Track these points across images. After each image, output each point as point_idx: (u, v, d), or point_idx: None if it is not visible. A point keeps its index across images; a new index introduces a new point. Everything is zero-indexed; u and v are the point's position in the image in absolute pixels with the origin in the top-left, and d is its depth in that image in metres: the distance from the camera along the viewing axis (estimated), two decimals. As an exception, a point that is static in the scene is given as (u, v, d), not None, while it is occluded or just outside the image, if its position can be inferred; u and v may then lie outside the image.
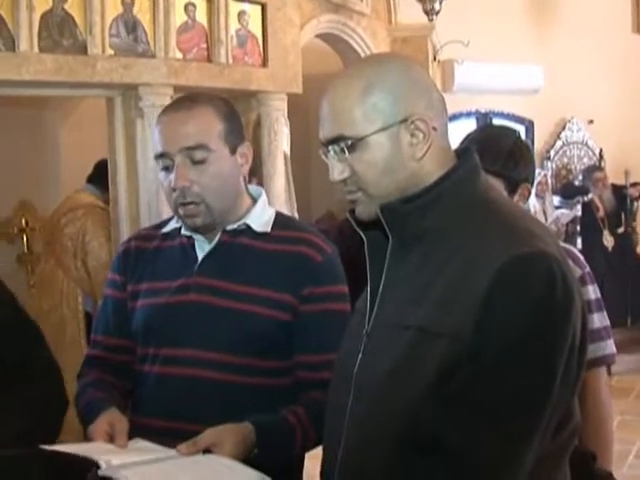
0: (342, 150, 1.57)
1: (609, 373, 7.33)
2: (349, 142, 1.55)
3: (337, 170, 1.59)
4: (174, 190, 2.05)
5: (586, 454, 1.99)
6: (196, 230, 2.12)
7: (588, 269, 2.44)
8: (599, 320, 2.43)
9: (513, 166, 2.39)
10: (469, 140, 2.41)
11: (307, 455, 2.15)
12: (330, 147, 1.59)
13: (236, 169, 2.13)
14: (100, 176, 5.12)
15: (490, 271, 1.41)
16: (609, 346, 2.45)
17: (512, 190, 2.37)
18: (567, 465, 1.58)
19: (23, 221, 6.26)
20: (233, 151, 2.12)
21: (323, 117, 1.60)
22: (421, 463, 1.44)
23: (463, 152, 1.64)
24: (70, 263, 4.88)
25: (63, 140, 6.52)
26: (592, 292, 2.43)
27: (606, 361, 2.44)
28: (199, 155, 2.05)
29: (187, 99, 2.14)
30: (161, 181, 2.13)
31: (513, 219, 1.52)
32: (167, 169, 2.07)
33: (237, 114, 2.20)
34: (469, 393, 1.41)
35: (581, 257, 2.48)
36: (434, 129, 1.56)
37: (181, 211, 2.08)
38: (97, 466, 1.66)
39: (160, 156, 2.08)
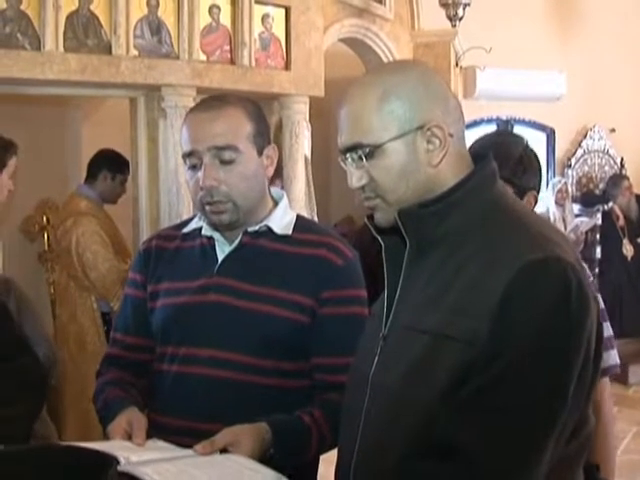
0: (360, 158, 1.58)
1: (625, 383, 7.24)
2: (367, 150, 1.57)
3: (355, 177, 1.61)
4: (201, 189, 2.07)
5: (590, 465, 1.99)
6: (218, 228, 2.14)
7: (592, 279, 2.42)
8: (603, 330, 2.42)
9: (521, 173, 2.39)
10: (477, 146, 2.41)
11: (321, 458, 2.16)
12: (348, 155, 1.61)
13: (262, 170, 2.15)
14: (93, 172, 5.05)
15: (506, 276, 1.42)
16: (612, 357, 2.42)
17: (519, 197, 2.37)
18: (581, 470, 1.59)
19: (44, 219, 6.29)
20: (260, 152, 2.13)
21: (341, 125, 1.62)
22: (435, 467, 1.45)
23: (480, 158, 1.65)
24: (75, 273, 4.87)
25: (85, 138, 6.55)
26: None
27: (609, 372, 2.41)
28: (228, 155, 2.06)
29: (216, 99, 2.15)
30: (187, 179, 2.14)
31: (529, 225, 1.53)
32: (194, 167, 2.09)
33: (264, 116, 2.21)
34: (483, 398, 1.42)
35: (585, 266, 2.48)
36: (450, 135, 1.58)
37: (207, 208, 2.09)
38: (117, 462, 1.67)
39: (188, 155, 2.09)
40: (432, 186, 1.58)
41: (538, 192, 2.49)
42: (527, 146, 2.51)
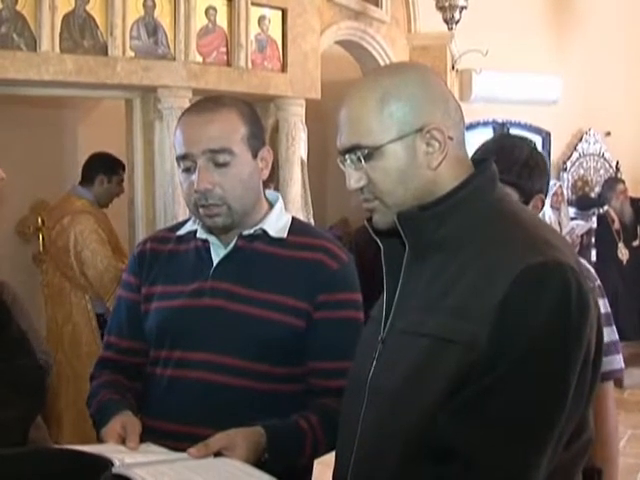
0: (359, 159, 1.58)
1: (621, 386, 7.23)
2: (366, 151, 1.57)
3: (354, 179, 1.60)
4: (195, 192, 2.05)
5: (592, 469, 1.98)
6: (213, 231, 2.13)
7: (599, 282, 2.42)
8: (608, 334, 2.41)
9: (527, 176, 2.37)
10: (484, 149, 2.40)
11: (316, 461, 2.15)
12: (347, 156, 1.60)
13: (256, 173, 2.13)
14: (89, 176, 5.08)
15: (506, 280, 1.42)
16: (617, 361, 2.42)
17: (526, 201, 2.35)
18: (580, 476, 1.58)
19: (39, 220, 6.27)
20: (255, 155, 2.12)
21: (340, 126, 1.61)
22: (433, 471, 1.45)
23: (481, 162, 1.65)
24: (71, 273, 4.86)
25: (82, 139, 6.54)
26: (602, 306, 2.41)
27: (614, 376, 2.41)
28: (222, 158, 2.04)
29: (210, 101, 2.13)
30: (181, 182, 2.12)
31: (530, 229, 1.53)
32: (188, 170, 2.07)
33: (259, 118, 2.20)
34: (482, 403, 1.41)
35: (592, 270, 2.46)
36: (450, 138, 1.57)
37: (201, 211, 2.08)
38: (111, 464, 1.67)
39: (182, 157, 2.08)
40: (431, 189, 1.57)
41: (546, 195, 2.47)
42: (534, 148, 2.49)
